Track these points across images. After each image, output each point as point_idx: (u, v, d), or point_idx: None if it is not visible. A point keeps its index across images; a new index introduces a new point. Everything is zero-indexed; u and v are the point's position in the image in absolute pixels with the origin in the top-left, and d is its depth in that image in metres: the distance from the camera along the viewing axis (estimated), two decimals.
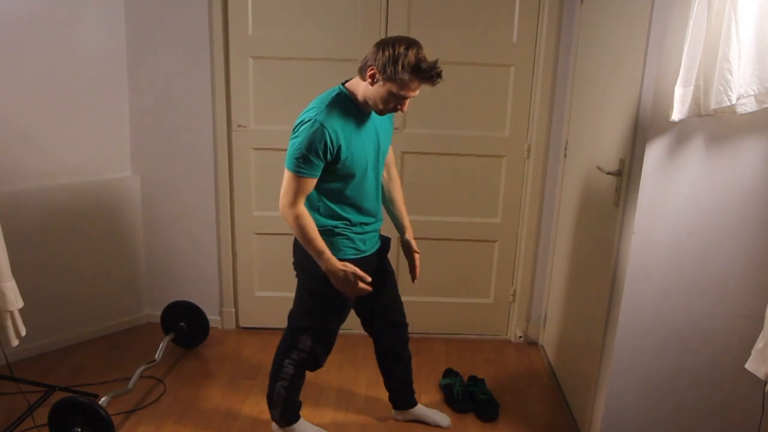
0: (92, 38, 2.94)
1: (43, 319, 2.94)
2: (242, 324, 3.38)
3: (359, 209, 2.11)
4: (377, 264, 2.25)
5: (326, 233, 2.08)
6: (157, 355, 2.84)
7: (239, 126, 3.09)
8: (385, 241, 2.29)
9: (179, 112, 3.09)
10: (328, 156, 1.95)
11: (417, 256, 2.31)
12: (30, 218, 2.86)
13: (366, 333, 2.42)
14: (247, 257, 3.27)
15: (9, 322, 2.18)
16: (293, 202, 1.98)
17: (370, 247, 2.19)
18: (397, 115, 2.38)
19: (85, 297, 3.12)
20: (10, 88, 2.73)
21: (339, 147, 1.95)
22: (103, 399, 2.39)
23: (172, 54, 3.02)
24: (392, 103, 1.93)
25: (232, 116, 3.08)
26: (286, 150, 1.98)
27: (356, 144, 1.99)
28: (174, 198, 3.21)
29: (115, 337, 3.22)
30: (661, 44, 1.91)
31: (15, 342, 2.23)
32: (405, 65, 1.84)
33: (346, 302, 2.20)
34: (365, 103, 1.98)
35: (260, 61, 3.01)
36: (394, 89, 1.88)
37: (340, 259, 2.08)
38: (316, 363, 2.26)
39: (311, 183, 1.99)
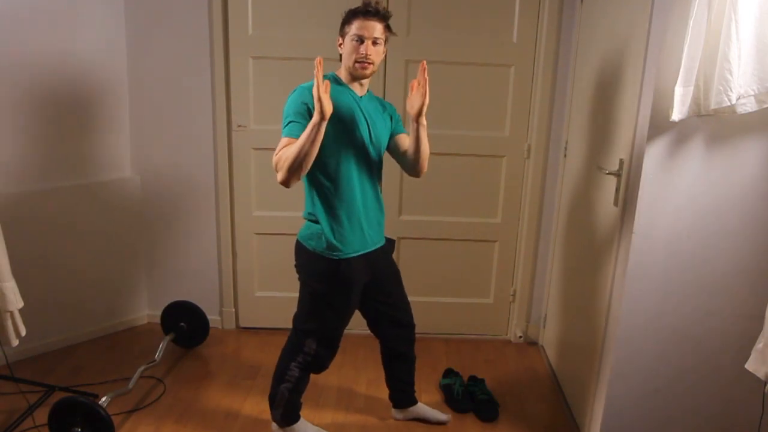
0: (92, 38, 2.94)
1: (43, 319, 2.94)
2: (242, 324, 3.38)
3: (352, 198, 2.09)
4: (383, 263, 2.26)
5: (321, 235, 2.09)
6: (157, 355, 2.84)
7: (239, 126, 3.09)
8: (388, 242, 2.30)
9: (179, 112, 3.09)
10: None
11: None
12: (30, 218, 2.86)
13: (370, 334, 2.42)
14: (247, 257, 3.27)
15: (9, 322, 2.19)
16: None
17: (372, 243, 2.19)
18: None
19: (85, 297, 3.12)
20: (9, 88, 2.73)
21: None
22: (103, 399, 2.38)
23: (172, 54, 3.02)
24: (355, 52, 2.02)
25: (232, 116, 3.08)
26: None
27: (338, 112, 1.99)
28: (174, 198, 3.21)
29: (115, 337, 3.22)
30: (661, 44, 1.91)
31: (15, 342, 2.24)
32: (348, 11, 2.05)
33: (350, 304, 2.20)
34: (348, 75, 2.08)
35: (260, 61, 3.02)
36: (350, 36, 2.02)
37: (341, 259, 2.09)
38: (321, 366, 2.26)
39: None
